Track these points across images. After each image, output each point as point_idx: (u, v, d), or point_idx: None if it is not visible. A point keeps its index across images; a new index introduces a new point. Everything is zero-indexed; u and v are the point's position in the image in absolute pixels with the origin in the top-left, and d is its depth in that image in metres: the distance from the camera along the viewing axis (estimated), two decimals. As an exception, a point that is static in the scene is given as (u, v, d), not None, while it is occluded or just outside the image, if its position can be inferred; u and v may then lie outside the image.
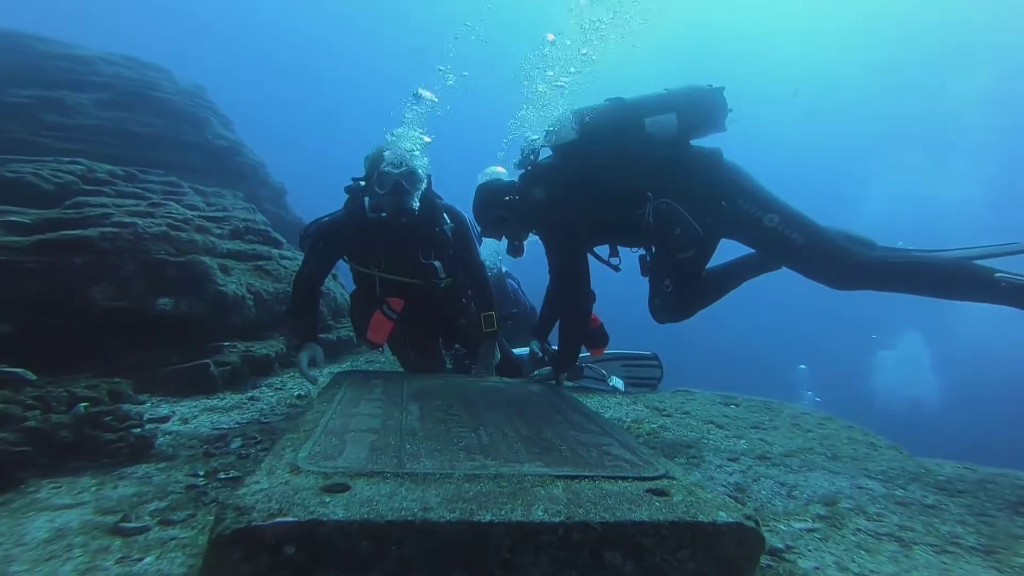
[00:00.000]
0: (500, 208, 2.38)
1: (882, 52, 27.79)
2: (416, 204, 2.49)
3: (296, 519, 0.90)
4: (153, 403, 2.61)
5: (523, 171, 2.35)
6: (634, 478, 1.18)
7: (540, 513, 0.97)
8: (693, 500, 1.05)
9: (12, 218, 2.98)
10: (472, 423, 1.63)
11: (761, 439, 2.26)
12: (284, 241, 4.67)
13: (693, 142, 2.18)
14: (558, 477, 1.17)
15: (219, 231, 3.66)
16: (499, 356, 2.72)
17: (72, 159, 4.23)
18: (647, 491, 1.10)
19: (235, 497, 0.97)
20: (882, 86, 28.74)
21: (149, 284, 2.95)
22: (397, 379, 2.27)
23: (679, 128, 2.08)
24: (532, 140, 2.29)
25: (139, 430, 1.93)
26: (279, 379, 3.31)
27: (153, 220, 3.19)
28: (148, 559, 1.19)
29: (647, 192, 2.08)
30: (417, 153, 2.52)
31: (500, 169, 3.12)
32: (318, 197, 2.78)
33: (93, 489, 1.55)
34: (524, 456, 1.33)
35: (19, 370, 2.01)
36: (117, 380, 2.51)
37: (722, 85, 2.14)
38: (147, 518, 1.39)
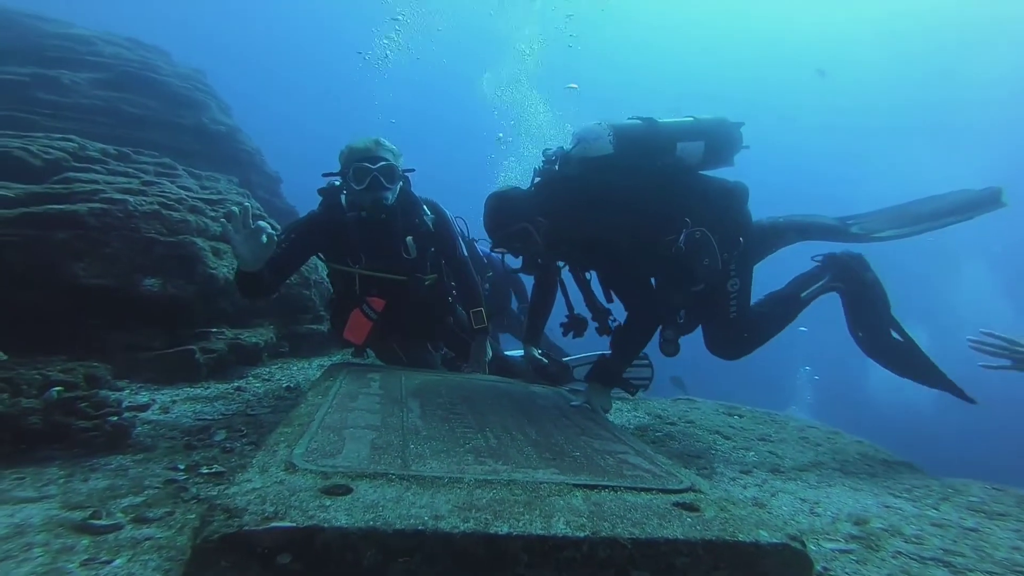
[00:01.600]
0: (524, 220, 2.09)
1: (899, 38, 27.50)
2: (393, 198, 2.38)
3: (294, 524, 0.79)
4: (132, 389, 2.47)
5: (545, 180, 2.18)
6: (658, 490, 1.10)
7: (562, 526, 0.88)
8: (728, 517, 0.96)
9: (-6, 190, 2.83)
10: (477, 424, 1.53)
11: (770, 452, 2.20)
12: (279, 227, 4.53)
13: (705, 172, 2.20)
14: (576, 486, 1.08)
15: (213, 213, 3.51)
16: (490, 354, 2.61)
17: (64, 136, 4.05)
18: (674, 505, 1.02)
19: (224, 497, 0.87)
20: (895, 72, 28.46)
21: (136, 263, 2.81)
22: (395, 374, 2.16)
23: (703, 157, 2.10)
24: (560, 149, 2.18)
25: (116, 418, 1.79)
26: (267, 369, 3.18)
27: (145, 198, 3.04)
28: (118, 561, 1.07)
29: (685, 218, 2.02)
30: (392, 147, 2.41)
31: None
32: (313, 187, 2.60)
33: (61, 481, 1.42)
34: (536, 461, 1.24)
35: (-12, 348, 1.87)
36: (95, 364, 2.37)
37: (742, 121, 2.18)
38: (119, 515, 1.27)
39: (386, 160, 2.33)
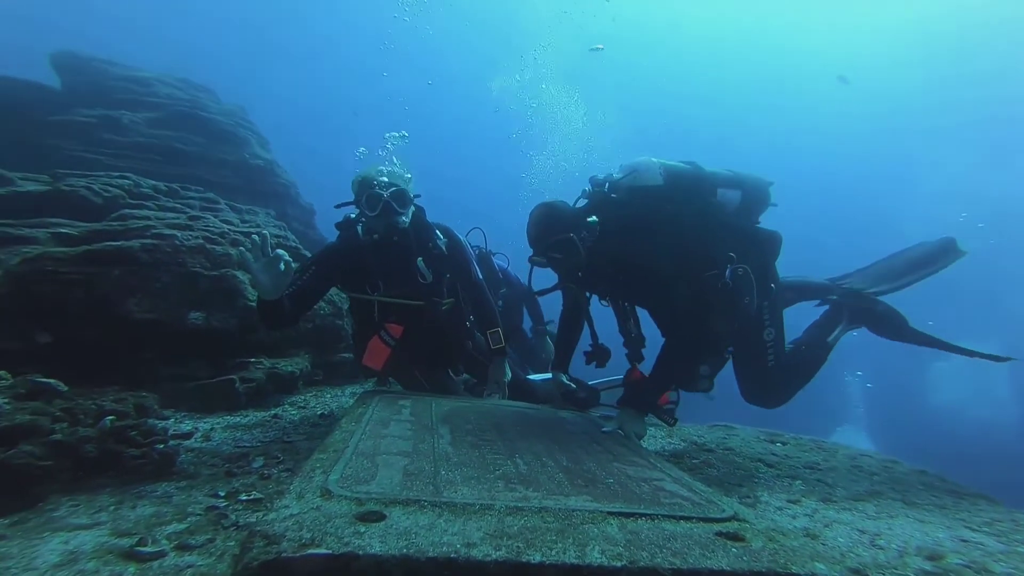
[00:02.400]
0: (571, 231, 2.10)
1: (932, 41, 26.23)
2: (406, 222, 2.43)
3: (330, 551, 0.80)
4: (177, 418, 2.57)
5: (593, 201, 2.25)
6: (699, 518, 1.05)
7: (597, 555, 0.85)
8: (778, 548, 0.91)
9: (63, 230, 3.09)
10: (507, 450, 1.52)
11: (819, 480, 2.06)
12: (307, 254, 4.72)
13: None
14: (610, 514, 1.04)
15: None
16: (510, 375, 2.59)
17: (121, 174, 4.42)
18: (717, 534, 0.97)
19: (263, 523, 0.89)
20: (932, 76, 27.10)
21: (183, 297, 2.98)
22: (425, 401, 2.18)
23: (738, 207, 2.23)
24: (609, 175, 2.29)
25: (163, 446, 1.87)
26: (302, 397, 3.26)
27: (191, 233, 3.25)
28: (162, 588, 1.11)
29: (730, 253, 2.08)
30: (403, 173, 2.48)
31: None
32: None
33: (112, 508, 1.49)
34: (568, 488, 1.21)
35: (52, 381, 2.00)
36: (144, 394, 2.50)
37: (772, 181, 2.33)
38: (164, 542, 1.31)
39: (396, 185, 2.41)
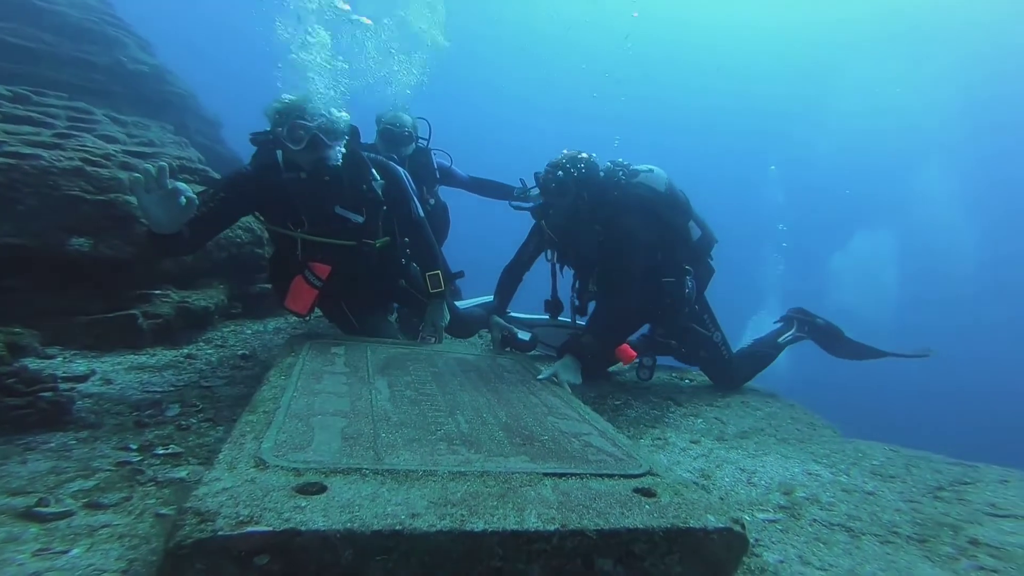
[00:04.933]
0: (573, 180, 2.49)
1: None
2: (339, 159, 2.17)
3: (270, 528, 0.79)
4: (66, 357, 2.28)
5: (610, 175, 2.65)
6: (620, 476, 1.18)
7: (533, 520, 0.94)
8: (681, 502, 1.06)
9: None
10: (447, 406, 1.56)
11: (716, 418, 2.41)
12: (217, 180, 4.12)
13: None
14: (546, 475, 1.13)
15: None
16: (448, 317, 2.54)
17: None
18: (634, 491, 1.10)
19: (194, 498, 0.85)
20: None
21: (58, 222, 2.51)
22: (359, 347, 2.13)
23: (695, 241, 2.75)
24: (628, 165, 2.69)
25: (51, 394, 1.66)
26: (219, 334, 3.02)
27: (63, 153, 2.66)
28: (75, 551, 1.02)
29: (689, 267, 2.66)
30: (338, 111, 2.17)
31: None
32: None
33: (-5, 466, 1.32)
34: (508, 448, 1.29)
35: None
36: (18, 330, 2.17)
37: (718, 240, 2.92)
38: (69, 501, 1.20)
39: (325, 115, 2.10)
